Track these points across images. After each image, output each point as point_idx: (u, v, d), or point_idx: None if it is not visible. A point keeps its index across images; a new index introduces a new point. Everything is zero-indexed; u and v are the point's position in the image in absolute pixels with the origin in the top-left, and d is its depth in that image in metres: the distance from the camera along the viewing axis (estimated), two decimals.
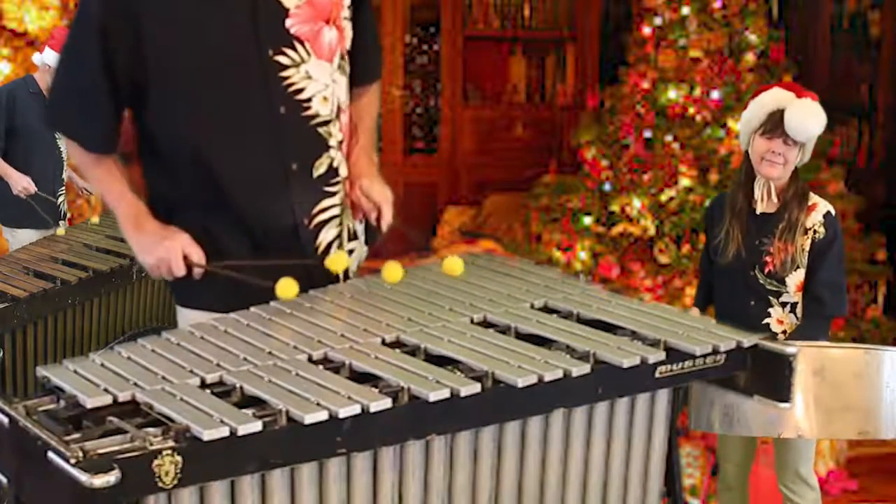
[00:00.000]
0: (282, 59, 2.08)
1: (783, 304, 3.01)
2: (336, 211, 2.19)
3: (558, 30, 7.88)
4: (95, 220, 4.33)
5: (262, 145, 2.09)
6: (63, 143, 4.90)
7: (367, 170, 2.26)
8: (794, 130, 2.93)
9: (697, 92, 5.31)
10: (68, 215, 5.06)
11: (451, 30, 7.70)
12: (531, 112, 7.95)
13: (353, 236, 2.26)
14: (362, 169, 2.26)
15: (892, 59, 6.37)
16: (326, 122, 2.15)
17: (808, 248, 2.97)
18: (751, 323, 2.87)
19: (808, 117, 2.94)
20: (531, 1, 7.82)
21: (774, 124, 2.94)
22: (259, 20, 2.06)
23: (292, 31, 2.09)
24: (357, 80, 2.30)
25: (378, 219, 2.21)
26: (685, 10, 5.36)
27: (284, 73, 2.08)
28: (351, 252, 2.25)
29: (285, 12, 2.08)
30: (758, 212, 3.02)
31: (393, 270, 2.11)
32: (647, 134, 5.40)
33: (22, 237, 4.62)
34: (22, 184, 4.62)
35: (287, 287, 2.02)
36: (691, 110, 5.32)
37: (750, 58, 5.34)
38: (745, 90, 5.25)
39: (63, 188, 4.92)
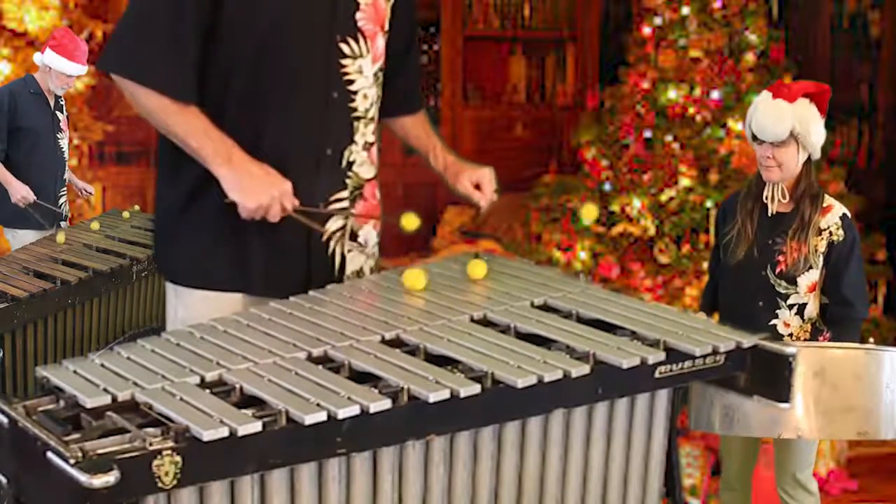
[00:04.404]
0: (344, 48, 2.17)
1: (790, 307, 2.99)
2: (345, 203, 2.24)
3: (558, 30, 7.87)
4: (96, 225, 4.33)
5: (308, 123, 2.15)
6: (65, 143, 4.90)
7: (463, 165, 2.49)
8: (758, 132, 2.92)
9: (697, 92, 5.31)
10: (69, 215, 5.05)
11: (451, 30, 7.70)
12: (531, 112, 7.94)
13: (353, 236, 2.27)
14: (459, 164, 2.48)
15: (892, 59, 6.36)
16: (360, 119, 2.23)
17: (822, 250, 2.95)
18: (756, 324, 2.84)
19: (765, 117, 2.91)
20: (531, 1, 7.82)
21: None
22: (338, 4, 2.15)
23: (359, 24, 2.18)
24: (414, 107, 2.53)
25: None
26: (685, 10, 5.35)
27: (343, 62, 2.17)
28: (350, 251, 2.26)
29: (357, 5, 2.18)
30: (772, 212, 3.00)
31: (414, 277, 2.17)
32: (647, 134, 5.40)
33: (23, 237, 4.61)
34: (21, 192, 4.59)
35: (415, 277, 2.13)
36: (691, 110, 5.32)
37: (750, 58, 5.34)
38: (745, 90, 5.25)
39: (64, 189, 4.91)
